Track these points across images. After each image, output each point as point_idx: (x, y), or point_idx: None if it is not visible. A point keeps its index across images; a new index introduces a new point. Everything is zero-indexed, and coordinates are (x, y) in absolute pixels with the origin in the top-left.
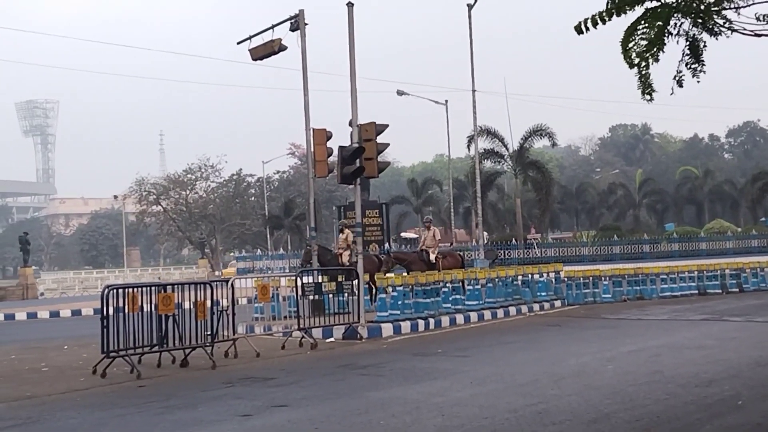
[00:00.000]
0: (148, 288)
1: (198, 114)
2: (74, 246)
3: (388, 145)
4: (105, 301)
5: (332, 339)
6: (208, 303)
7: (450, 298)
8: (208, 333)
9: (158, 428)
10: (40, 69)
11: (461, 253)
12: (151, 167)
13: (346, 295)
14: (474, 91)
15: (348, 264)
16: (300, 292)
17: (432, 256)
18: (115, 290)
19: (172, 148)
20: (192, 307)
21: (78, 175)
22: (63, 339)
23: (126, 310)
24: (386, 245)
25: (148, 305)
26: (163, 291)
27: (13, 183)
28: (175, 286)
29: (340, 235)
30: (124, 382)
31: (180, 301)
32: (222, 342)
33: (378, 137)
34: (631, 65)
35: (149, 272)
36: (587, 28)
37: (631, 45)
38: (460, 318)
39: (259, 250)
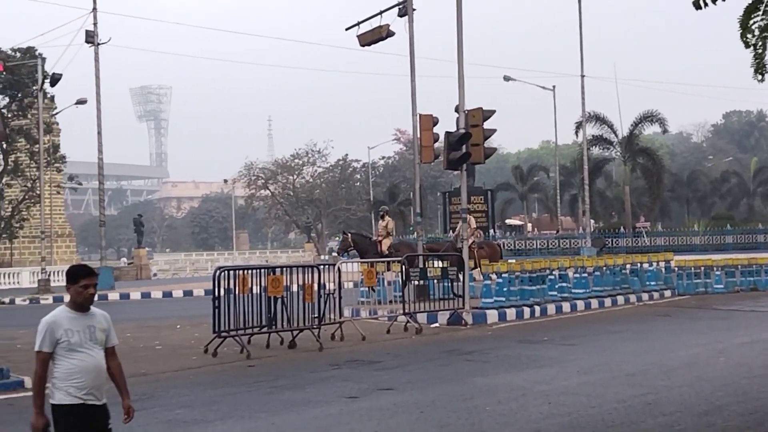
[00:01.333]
0: (258, 270)
1: (305, 100)
2: (185, 228)
3: (494, 130)
4: (216, 282)
5: (437, 324)
6: (316, 286)
7: (556, 286)
8: (315, 316)
9: (268, 407)
10: (154, 56)
11: (500, 243)
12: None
13: (451, 280)
14: (583, 76)
15: (387, 252)
16: (405, 277)
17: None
18: (226, 272)
19: (280, 133)
20: (299, 289)
21: (189, 159)
22: (175, 318)
23: (236, 292)
24: (491, 231)
25: (257, 287)
26: (272, 273)
27: (128, 167)
28: (284, 268)
29: (380, 221)
30: (235, 362)
31: (288, 283)
32: (329, 325)
33: (485, 123)
34: (747, 45)
35: (257, 255)
36: (706, 3)
37: (750, 23)
38: (566, 306)
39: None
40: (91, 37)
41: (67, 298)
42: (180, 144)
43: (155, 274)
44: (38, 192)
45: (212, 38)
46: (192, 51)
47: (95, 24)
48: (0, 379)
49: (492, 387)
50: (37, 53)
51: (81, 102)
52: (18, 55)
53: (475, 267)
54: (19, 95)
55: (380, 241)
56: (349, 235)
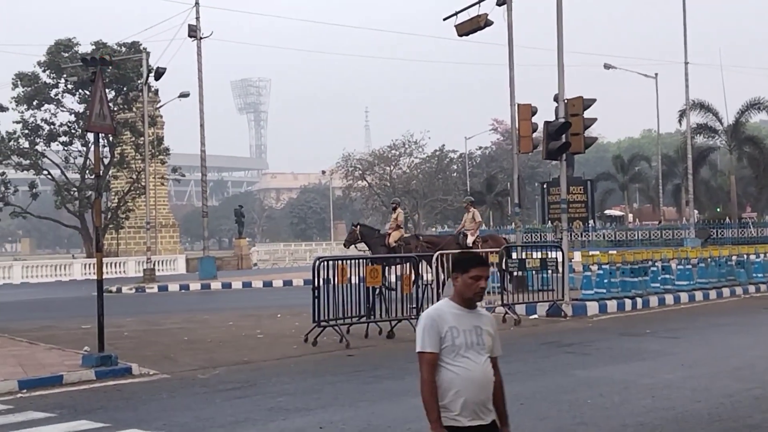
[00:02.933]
0: (356, 261)
1: (402, 91)
2: (284, 219)
3: (595, 120)
4: (316, 272)
5: (536, 316)
6: (413, 276)
7: (659, 278)
8: (413, 306)
9: (368, 396)
10: (254, 48)
11: (506, 237)
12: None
13: (549, 271)
14: (686, 63)
15: (394, 245)
16: (504, 268)
17: (470, 240)
18: (325, 262)
19: (377, 124)
20: (398, 280)
21: (288, 150)
22: (276, 308)
23: (335, 282)
24: (590, 222)
25: (356, 277)
26: (370, 264)
27: (229, 158)
28: (382, 259)
29: (392, 213)
30: (334, 351)
31: (386, 273)
32: None
33: (585, 112)
34: None
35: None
36: None
37: None
38: (669, 298)
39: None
40: (193, 32)
41: (172, 287)
42: (279, 135)
43: (255, 264)
44: (143, 183)
45: (311, 30)
46: (290, 43)
47: (197, 18)
48: (108, 366)
49: (593, 380)
50: (141, 48)
51: (184, 95)
52: (123, 50)
53: None
54: (125, 89)
55: (389, 234)
56: (358, 227)
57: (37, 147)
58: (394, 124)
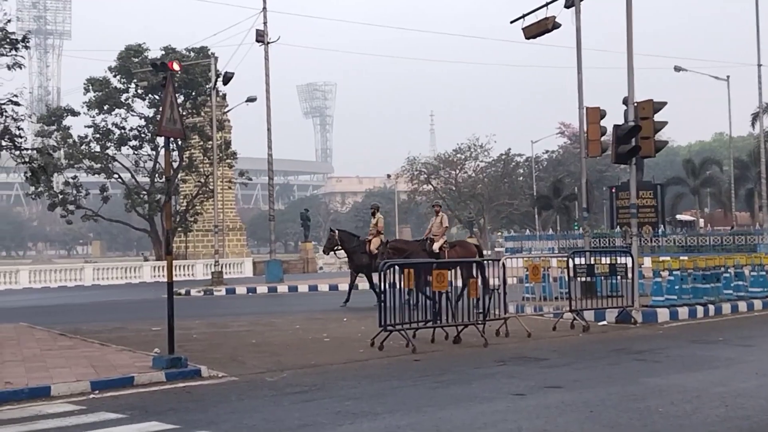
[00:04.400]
0: (423, 265)
1: (468, 95)
2: (349, 223)
3: (665, 123)
4: (383, 276)
5: (604, 322)
6: (480, 281)
7: (732, 284)
8: (480, 311)
9: (434, 401)
10: (320, 53)
11: (479, 243)
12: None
13: (619, 277)
14: (759, 65)
15: (375, 252)
16: (571, 273)
17: (436, 246)
18: (391, 266)
19: (442, 128)
20: (464, 284)
21: (353, 154)
22: (342, 311)
23: (401, 286)
24: (660, 227)
25: (458, 280)
26: (436, 268)
27: (295, 162)
28: (448, 263)
29: (372, 219)
30: (400, 356)
31: (452, 278)
32: (493, 320)
33: (655, 115)
34: None
35: None
36: None
37: None
38: (742, 305)
39: (527, 230)
40: (261, 37)
41: (239, 290)
42: (344, 140)
43: (321, 268)
44: (211, 187)
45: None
46: (356, 48)
47: (265, 23)
48: (178, 368)
49: (664, 387)
50: (210, 53)
51: (251, 100)
52: (192, 55)
53: None
54: (193, 94)
55: (370, 240)
56: (336, 232)
57: (107, 151)
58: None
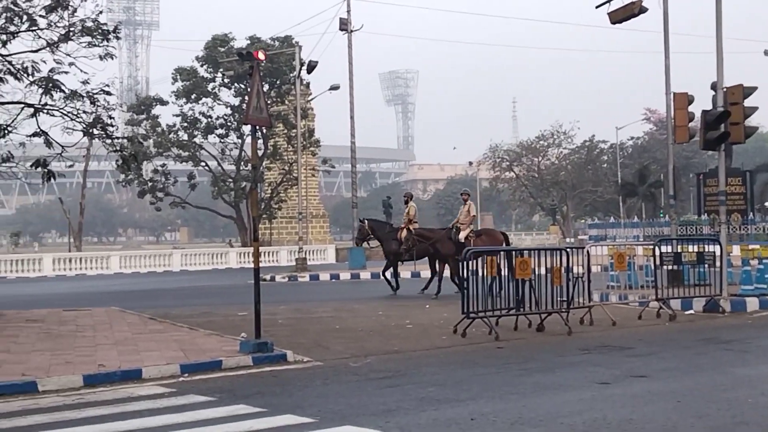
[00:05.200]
0: (506, 252)
1: (550, 80)
2: (431, 210)
3: (756, 109)
4: (465, 263)
5: (691, 311)
6: (564, 269)
7: None
8: (563, 299)
9: (518, 389)
10: (402, 40)
11: (505, 232)
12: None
13: (707, 266)
14: None
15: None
16: (658, 262)
17: (462, 235)
18: (474, 254)
19: (525, 114)
20: (547, 272)
21: (435, 141)
22: (424, 298)
23: (484, 274)
24: (750, 215)
25: (505, 269)
26: (519, 256)
27: (377, 150)
28: (531, 251)
29: (405, 207)
30: (483, 343)
31: (535, 266)
32: (577, 309)
33: (745, 101)
34: None
35: None
36: None
37: None
38: None
39: (612, 217)
40: (344, 25)
41: (323, 276)
42: (426, 127)
43: None
44: (295, 175)
45: (459, 21)
46: (439, 35)
47: (348, 11)
48: (264, 352)
49: (754, 378)
50: (294, 42)
51: (334, 88)
52: (277, 44)
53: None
54: (278, 82)
55: (402, 228)
56: (366, 222)
57: (195, 139)
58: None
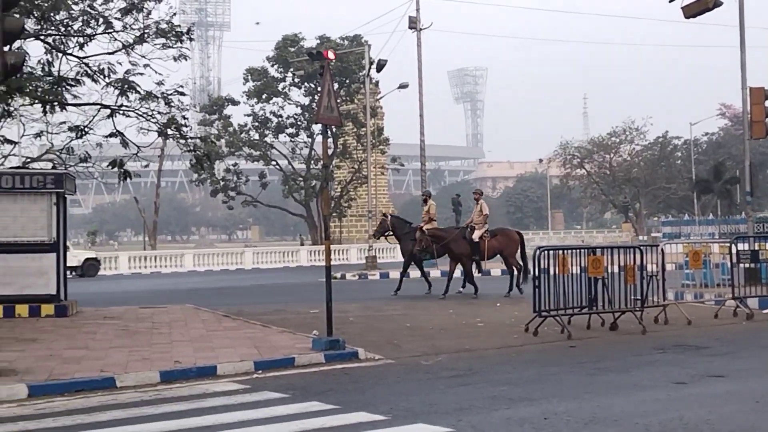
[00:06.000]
0: (578, 250)
1: (622, 76)
2: (500, 208)
3: None
4: (536, 262)
5: None
6: (637, 267)
7: None
8: (637, 297)
9: (591, 388)
10: (471, 38)
11: (520, 232)
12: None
13: None
14: None
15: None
16: (734, 259)
17: (476, 235)
18: (545, 252)
19: (596, 111)
20: (620, 270)
21: (504, 139)
22: (495, 296)
23: (556, 272)
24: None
25: (577, 267)
26: (592, 254)
27: (446, 147)
28: (604, 249)
29: (423, 206)
30: (555, 342)
31: (607, 264)
32: (651, 307)
33: None
34: None
35: (572, 235)
36: None
37: None
38: None
39: (686, 214)
40: (413, 23)
41: (393, 274)
42: (495, 124)
43: None
44: (364, 173)
45: (528, 17)
46: (508, 31)
47: (417, 10)
48: (336, 350)
49: None
50: (363, 41)
51: (403, 86)
52: (346, 43)
53: (481, 260)
54: (347, 81)
55: (421, 227)
56: (389, 217)
57: (266, 139)
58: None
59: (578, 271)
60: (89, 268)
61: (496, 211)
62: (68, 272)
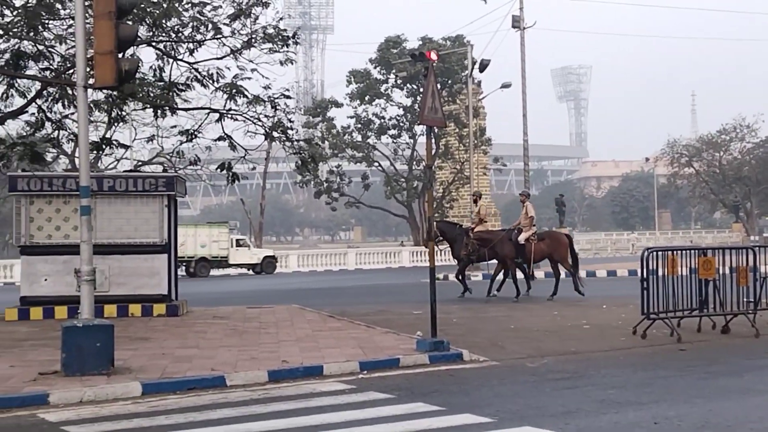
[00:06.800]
0: (687, 251)
1: (732, 72)
2: (605, 208)
3: None
4: (644, 263)
5: None
6: (749, 269)
7: None
8: (750, 300)
9: (703, 393)
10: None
11: (569, 234)
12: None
13: None
14: None
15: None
16: None
17: (522, 237)
18: (654, 253)
19: (704, 108)
20: (731, 272)
21: (609, 138)
22: (600, 298)
23: (665, 273)
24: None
25: (686, 269)
26: (703, 255)
27: (549, 147)
28: (715, 250)
29: (474, 206)
30: (664, 345)
31: (718, 265)
32: (764, 310)
33: None
34: None
35: (680, 235)
36: None
37: None
38: None
39: None
40: (517, 22)
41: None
42: (599, 123)
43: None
44: (466, 174)
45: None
46: (611, 28)
47: (521, 9)
48: (440, 351)
49: None
50: (465, 41)
51: (506, 86)
52: (448, 43)
53: (526, 263)
54: (449, 82)
55: (472, 229)
56: (435, 224)
57: (368, 140)
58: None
59: (688, 273)
60: (267, 265)
61: (600, 211)
62: (248, 269)
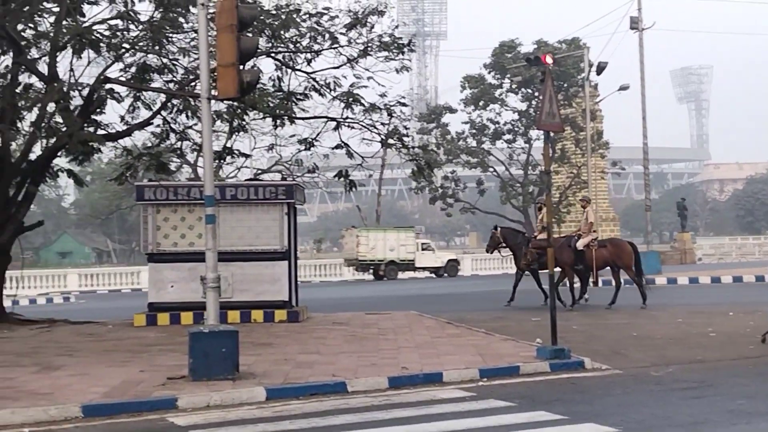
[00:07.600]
0: None
1: None
2: (729, 212)
3: None
4: None
5: None
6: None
7: None
8: None
9: None
10: (695, 35)
11: (632, 242)
12: None
13: None
14: None
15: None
16: None
17: (581, 243)
18: None
19: None
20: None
21: (732, 139)
22: (726, 305)
23: None
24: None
25: None
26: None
27: (668, 150)
28: None
29: (538, 214)
30: None
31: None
32: None
33: None
34: None
35: None
36: None
37: None
38: None
39: None
40: (635, 24)
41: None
42: (722, 124)
43: (700, 259)
44: (584, 178)
45: (755, 11)
46: (733, 27)
47: (639, 10)
48: (561, 359)
49: None
50: (581, 43)
51: (624, 88)
52: (564, 47)
53: (587, 269)
54: (565, 85)
55: (535, 237)
56: (498, 230)
57: (483, 145)
58: None
59: None
60: (451, 268)
61: (724, 215)
62: (431, 273)
